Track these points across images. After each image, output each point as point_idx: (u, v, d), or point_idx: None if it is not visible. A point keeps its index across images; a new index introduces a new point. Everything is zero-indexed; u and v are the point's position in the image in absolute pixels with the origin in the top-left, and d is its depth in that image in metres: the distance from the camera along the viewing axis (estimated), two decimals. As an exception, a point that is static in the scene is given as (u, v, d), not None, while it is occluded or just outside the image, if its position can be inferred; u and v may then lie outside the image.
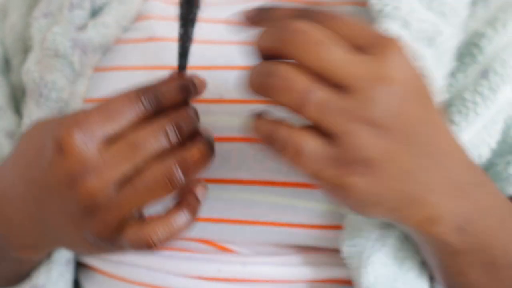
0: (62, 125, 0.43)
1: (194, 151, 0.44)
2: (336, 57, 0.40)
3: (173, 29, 0.53)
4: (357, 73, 0.40)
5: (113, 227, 0.43)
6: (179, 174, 0.43)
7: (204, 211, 0.51)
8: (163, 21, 0.57)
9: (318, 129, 0.40)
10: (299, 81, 0.40)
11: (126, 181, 0.43)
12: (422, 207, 0.43)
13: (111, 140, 0.43)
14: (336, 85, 0.40)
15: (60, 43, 0.54)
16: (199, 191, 0.46)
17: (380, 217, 0.44)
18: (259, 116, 0.43)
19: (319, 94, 0.39)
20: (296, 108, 0.40)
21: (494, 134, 0.53)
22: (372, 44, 0.40)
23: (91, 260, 0.56)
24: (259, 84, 0.41)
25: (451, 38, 0.53)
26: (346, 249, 0.49)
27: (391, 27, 0.50)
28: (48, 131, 0.45)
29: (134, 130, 0.43)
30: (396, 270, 0.50)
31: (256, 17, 0.44)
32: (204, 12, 0.55)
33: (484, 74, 0.53)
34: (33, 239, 0.49)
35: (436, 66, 0.51)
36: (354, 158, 0.40)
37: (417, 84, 0.42)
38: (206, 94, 0.52)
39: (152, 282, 0.53)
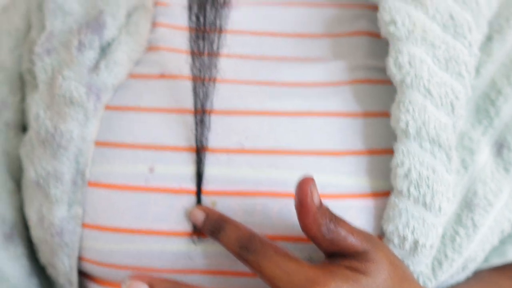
0: None
1: None
2: None
3: (184, 64, 0.52)
4: None
5: None
6: None
7: (229, 265, 0.50)
8: (173, 54, 0.55)
9: None
10: None
11: None
12: None
13: None
14: None
15: (75, 89, 0.51)
16: None
17: None
18: None
19: None
20: None
21: None
22: None
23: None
24: None
25: (464, 100, 0.52)
26: None
27: (414, 98, 0.50)
28: None
29: None
30: None
31: (206, 228, 0.48)
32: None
33: (500, 149, 0.53)
34: None
35: (452, 135, 0.51)
36: None
37: None
38: (226, 143, 0.51)
39: None
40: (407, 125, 0.49)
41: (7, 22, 0.61)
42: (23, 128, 0.59)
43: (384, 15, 0.52)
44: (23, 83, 0.60)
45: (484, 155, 0.53)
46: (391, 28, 0.51)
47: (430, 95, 0.50)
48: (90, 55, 0.53)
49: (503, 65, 0.55)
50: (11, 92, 0.59)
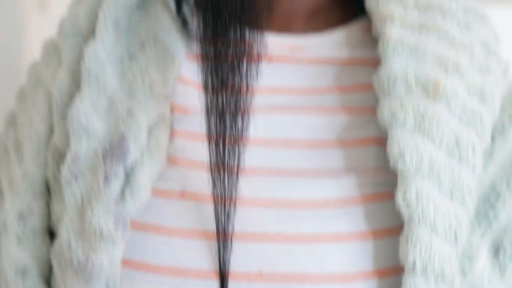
0: None
1: None
2: None
3: (204, 182, 0.54)
4: None
5: None
6: None
7: None
8: (193, 170, 0.57)
9: None
10: None
11: None
12: None
13: None
14: None
15: (104, 223, 0.53)
16: None
17: None
18: None
19: None
20: None
21: None
22: None
23: None
24: None
25: (466, 225, 0.54)
26: None
27: (421, 234, 0.52)
28: None
29: None
30: None
31: None
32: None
33: (496, 252, 0.56)
34: None
35: (455, 261, 0.53)
36: None
37: None
38: (245, 268, 0.53)
39: None
40: (414, 263, 0.52)
41: (29, 125, 0.62)
42: (49, 230, 0.61)
43: (393, 148, 0.54)
44: (46, 188, 0.62)
45: (482, 258, 0.55)
46: (400, 164, 0.54)
47: (436, 229, 0.53)
48: (116, 185, 0.55)
49: (503, 166, 0.57)
50: (35, 198, 0.61)
